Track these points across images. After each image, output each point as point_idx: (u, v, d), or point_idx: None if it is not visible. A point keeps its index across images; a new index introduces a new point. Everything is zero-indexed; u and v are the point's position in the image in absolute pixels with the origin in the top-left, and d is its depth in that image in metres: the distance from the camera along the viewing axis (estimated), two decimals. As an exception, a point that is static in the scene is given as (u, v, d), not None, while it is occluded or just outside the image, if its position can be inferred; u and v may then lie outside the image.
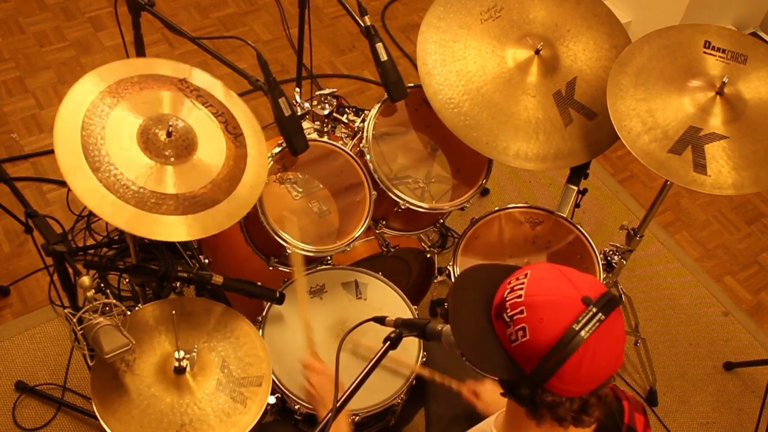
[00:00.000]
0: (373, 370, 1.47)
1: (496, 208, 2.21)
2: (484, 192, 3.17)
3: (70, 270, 1.68)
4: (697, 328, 2.94)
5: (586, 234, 2.15)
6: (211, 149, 1.73)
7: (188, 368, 1.68)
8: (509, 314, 1.16)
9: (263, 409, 1.69)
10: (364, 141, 2.12)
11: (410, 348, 1.96)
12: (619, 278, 2.50)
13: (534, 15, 2.18)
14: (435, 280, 2.53)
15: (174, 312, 1.74)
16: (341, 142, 2.27)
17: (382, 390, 1.89)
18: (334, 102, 2.31)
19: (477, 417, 1.47)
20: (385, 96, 2.04)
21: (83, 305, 1.55)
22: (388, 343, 1.49)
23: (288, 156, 2.06)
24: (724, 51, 2.05)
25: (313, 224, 2.14)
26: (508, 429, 1.33)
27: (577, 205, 2.24)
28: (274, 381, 1.81)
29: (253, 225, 2.02)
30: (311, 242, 2.01)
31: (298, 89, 2.34)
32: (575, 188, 2.19)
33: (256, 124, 1.83)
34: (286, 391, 1.84)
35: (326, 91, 2.30)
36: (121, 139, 1.62)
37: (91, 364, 1.79)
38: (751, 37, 2.41)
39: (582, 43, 2.18)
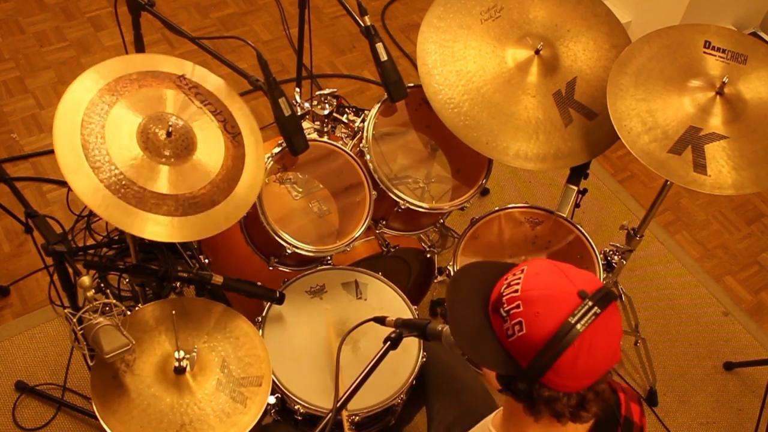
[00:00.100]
0: (373, 370, 1.48)
1: (496, 208, 2.21)
2: (484, 192, 3.17)
3: (70, 270, 1.68)
4: (697, 328, 2.94)
5: (586, 234, 2.15)
6: (210, 149, 1.72)
7: (188, 368, 1.68)
8: (506, 309, 1.17)
9: (263, 409, 1.69)
10: (364, 141, 2.12)
11: (410, 348, 1.96)
12: (619, 278, 2.51)
13: (534, 15, 2.18)
14: (435, 280, 2.53)
15: (174, 312, 1.73)
16: (341, 142, 2.27)
17: (382, 390, 1.89)
18: (334, 102, 2.31)
19: (478, 417, 1.47)
20: (385, 96, 2.04)
21: (83, 305, 1.55)
22: (388, 343, 1.49)
23: (288, 156, 2.06)
24: (724, 51, 2.05)
25: (313, 224, 2.14)
26: (506, 426, 1.33)
27: (577, 205, 2.24)
28: (274, 381, 1.81)
29: (253, 225, 2.02)
30: (311, 242, 2.01)
31: (298, 89, 2.34)
32: (575, 188, 2.19)
33: (253, 123, 1.83)
34: (286, 391, 1.84)
35: (326, 91, 2.30)
36: (121, 138, 1.62)
37: (91, 364, 1.79)
38: (751, 37, 2.41)
39: (582, 43, 2.18)
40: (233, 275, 1.92)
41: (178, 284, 2.18)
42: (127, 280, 2.60)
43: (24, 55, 3.34)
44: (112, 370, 1.67)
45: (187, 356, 1.68)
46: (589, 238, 2.15)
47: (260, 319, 1.95)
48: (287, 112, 1.77)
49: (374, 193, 2.07)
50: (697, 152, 1.92)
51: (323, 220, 2.16)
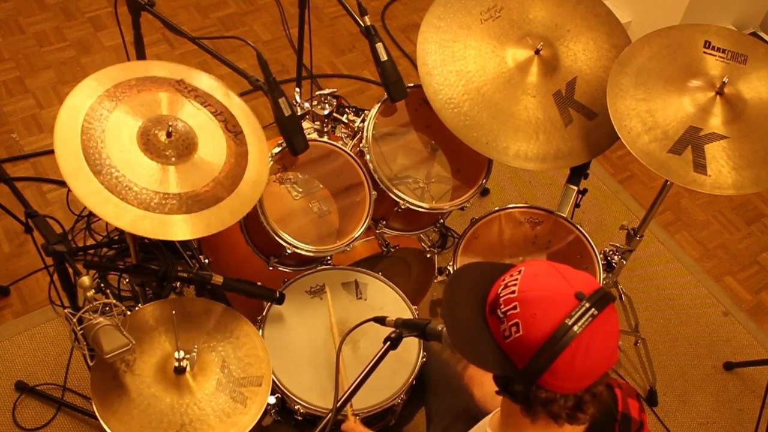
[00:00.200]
0: (373, 370, 1.48)
1: (496, 208, 2.21)
2: (484, 192, 3.17)
3: (70, 270, 1.68)
4: (697, 328, 2.94)
5: (586, 234, 2.15)
6: (212, 148, 1.73)
7: (188, 368, 1.68)
8: (503, 310, 1.16)
9: (263, 409, 1.69)
10: (364, 141, 2.12)
11: (410, 348, 1.96)
12: (619, 278, 2.51)
13: (534, 15, 2.18)
14: (435, 280, 2.53)
15: (174, 312, 1.74)
16: (341, 142, 2.27)
17: (382, 390, 1.89)
18: (334, 102, 2.31)
19: (478, 415, 1.47)
20: (385, 96, 2.04)
21: (83, 305, 1.55)
22: (388, 343, 1.49)
23: (288, 156, 2.06)
24: (724, 51, 2.05)
25: (313, 224, 2.14)
26: (503, 427, 1.33)
27: (577, 205, 2.24)
28: (274, 381, 1.81)
29: (253, 225, 2.02)
30: (311, 242, 2.01)
31: (298, 89, 2.34)
32: (575, 188, 2.19)
33: (255, 122, 1.83)
34: (286, 391, 1.84)
35: (326, 91, 2.30)
36: (122, 142, 1.63)
37: (91, 364, 1.79)
38: (751, 37, 2.41)
39: (582, 43, 2.18)
40: (233, 275, 1.93)
41: (178, 284, 2.18)
42: (127, 280, 2.60)
43: (24, 55, 3.34)
44: (112, 370, 1.67)
45: (187, 356, 1.68)
46: (589, 238, 2.15)
47: (260, 319, 1.95)
48: (287, 112, 1.77)
49: (374, 193, 2.07)
50: (697, 152, 1.92)
51: (323, 220, 2.16)
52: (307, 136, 1.85)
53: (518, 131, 2.07)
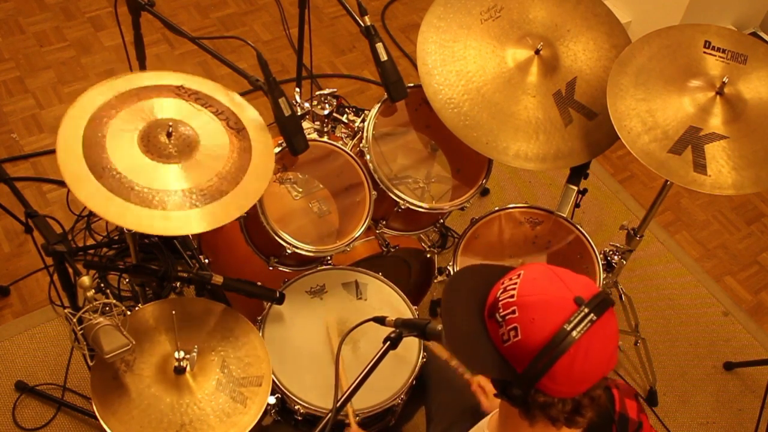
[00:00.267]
0: (373, 370, 1.47)
1: (496, 208, 2.21)
2: (484, 192, 3.17)
3: (70, 270, 1.69)
4: (697, 328, 2.94)
5: (586, 234, 2.15)
6: (214, 144, 1.73)
7: (188, 368, 1.68)
8: (501, 314, 1.16)
9: (263, 409, 1.69)
10: (364, 141, 2.12)
11: (410, 348, 1.96)
12: (619, 278, 2.51)
13: (534, 15, 2.18)
14: (435, 280, 2.52)
15: (174, 312, 1.74)
16: (341, 142, 2.27)
17: (382, 390, 1.89)
18: (334, 102, 2.31)
19: (477, 416, 1.47)
20: (385, 96, 2.04)
21: (83, 305, 1.55)
22: (388, 343, 1.49)
23: (288, 156, 2.06)
24: (724, 51, 2.05)
25: (313, 224, 2.14)
26: (501, 429, 1.33)
27: (577, 205, 2.24)
28: (274, 381, 1.81)
29: (253, 225, 2.02)
30: (311, 242, 2.01)
31: (298, 89, 2.34)
32: (575, 188, 2.19)
33: (258, 117, 1.84)
34: (286, 391, 1.84)
35: (326, 91, 2.30)
36: (123, 147, 1.64)
37: (91, 364, 1.79)
38: (751, 37, 2.41)
39: (582, 43, 2.18)
40: (233, 275, 1.93)
41: (178, 284, 2.19)
42: (127, 280, 2.60)
43: (24, 55, 3.35)
44: (112, 370, 1.67)
45: (187, 356, 1.68)
46: (589, 238, 2.15)
47: (260, 319, 1.95)
48: (287, 112, 1.77)
49: (374, 193, 2.07)
50: (697, 152, 1.92)
51: (323, 220, 2.16)
52: (307, 136, 1.85)
53: (518, 131, 2.07)
